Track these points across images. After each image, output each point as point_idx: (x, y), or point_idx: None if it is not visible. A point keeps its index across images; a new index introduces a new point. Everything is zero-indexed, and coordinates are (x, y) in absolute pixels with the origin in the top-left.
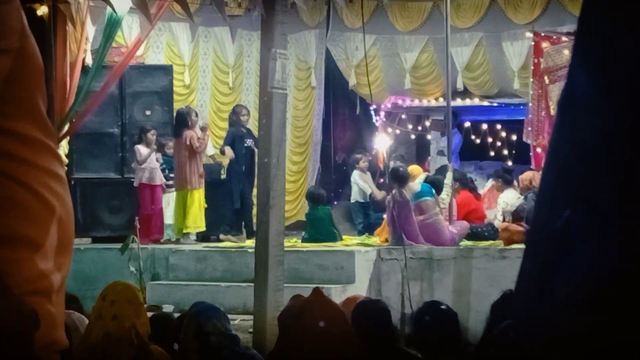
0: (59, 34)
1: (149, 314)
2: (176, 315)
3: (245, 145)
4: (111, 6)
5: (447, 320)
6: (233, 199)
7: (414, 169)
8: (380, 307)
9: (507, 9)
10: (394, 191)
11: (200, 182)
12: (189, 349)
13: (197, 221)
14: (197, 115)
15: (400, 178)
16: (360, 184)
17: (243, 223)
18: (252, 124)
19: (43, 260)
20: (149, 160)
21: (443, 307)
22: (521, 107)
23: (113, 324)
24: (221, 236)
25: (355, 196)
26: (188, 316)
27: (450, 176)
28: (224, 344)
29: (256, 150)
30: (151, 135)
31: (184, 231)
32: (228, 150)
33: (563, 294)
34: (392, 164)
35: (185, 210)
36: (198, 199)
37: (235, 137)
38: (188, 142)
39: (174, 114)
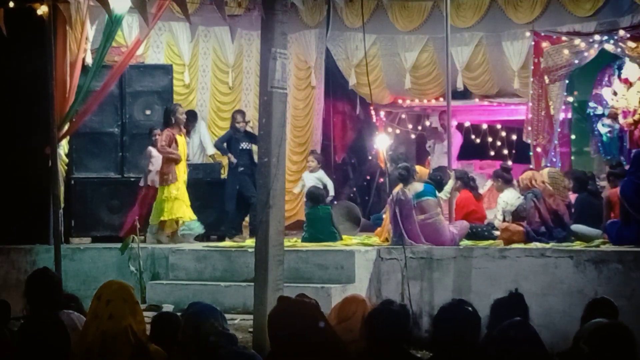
0: (59, 33)
1: (152, 314)
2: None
3: (241, 147)
4: (107, 10)
5: (473, 323)
6: (227, 200)
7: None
8: (402, 311)
9: (507, 8)
10: (395, 190)
11: (164, 180)
12: (188, 349)
13: (163, 214)
14: (183, 114)
15: (406, 177)
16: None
17: (248, 222)
18: (253, 124)
19: None
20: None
21: (469, 308)
22: (521, 107)
23: (109, 323)
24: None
25: None
26: (185, 317)
27: (452, 183)
28: (222, 343)
29: (254, 150)
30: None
31: (161, 219)
32: (230, 156)
33: None
34: (389, 165)
35: (160, 205)
36: (160, 195)
37: (231, 138)
38: (154, 138)
39: None
